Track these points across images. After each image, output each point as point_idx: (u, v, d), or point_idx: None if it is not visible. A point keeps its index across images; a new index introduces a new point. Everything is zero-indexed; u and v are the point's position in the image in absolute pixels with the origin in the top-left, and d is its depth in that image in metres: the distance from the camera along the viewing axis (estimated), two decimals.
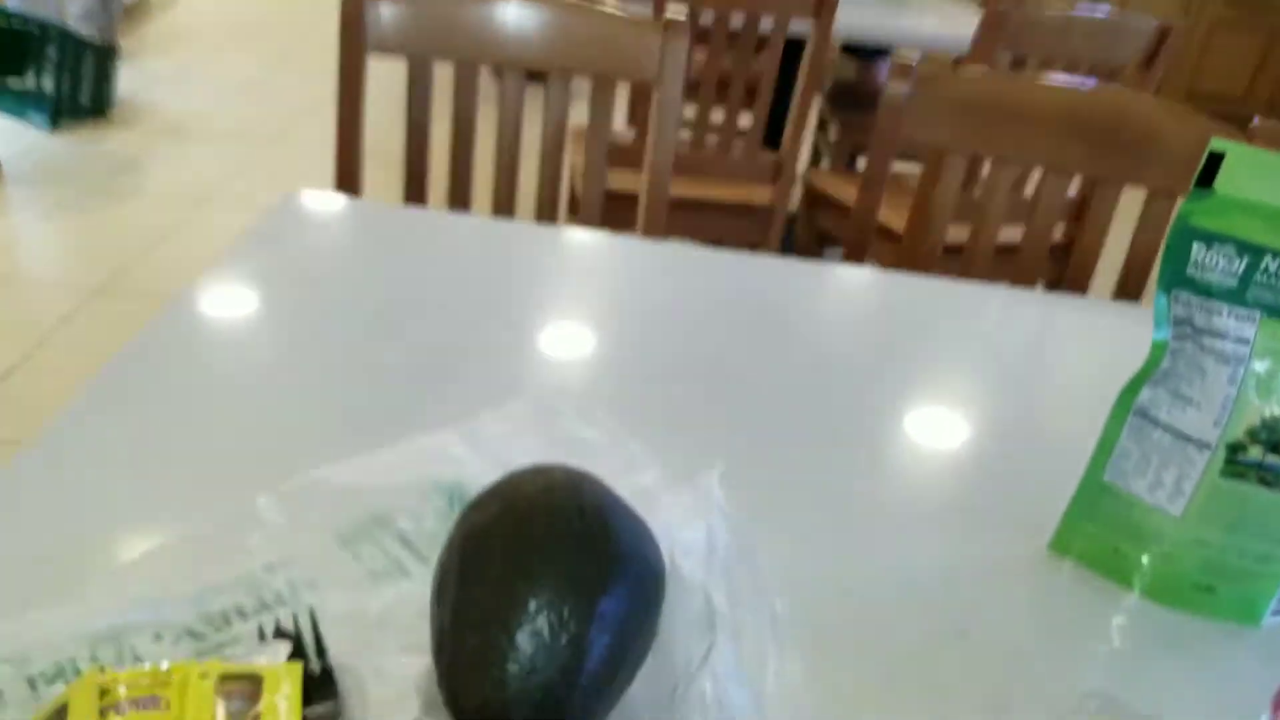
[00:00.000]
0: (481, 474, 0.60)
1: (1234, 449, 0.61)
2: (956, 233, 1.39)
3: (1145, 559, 0.66)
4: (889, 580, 0.64)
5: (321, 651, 0.53)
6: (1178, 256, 0.60)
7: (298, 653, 0.53)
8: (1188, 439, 0.62)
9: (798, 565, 0.63)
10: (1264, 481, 0.61)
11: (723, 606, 0.50)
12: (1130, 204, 1.28)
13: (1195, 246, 0.59)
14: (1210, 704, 0.58)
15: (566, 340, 0.88)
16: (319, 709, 0.49)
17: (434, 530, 0.61)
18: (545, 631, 0.47)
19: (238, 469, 0.66)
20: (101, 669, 0.47)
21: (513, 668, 0.46)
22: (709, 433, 0.78)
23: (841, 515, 0.70)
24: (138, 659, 0.52)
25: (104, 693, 0.46)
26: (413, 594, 0.57)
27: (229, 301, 0.87)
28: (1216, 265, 0.59)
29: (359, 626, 0.55)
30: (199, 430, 0.70)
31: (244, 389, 0.75)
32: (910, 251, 1.38)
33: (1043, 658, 0.61)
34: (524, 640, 0.46)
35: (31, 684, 0.50)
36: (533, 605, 0.47)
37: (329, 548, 0.60)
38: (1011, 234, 1.48)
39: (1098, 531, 0.68)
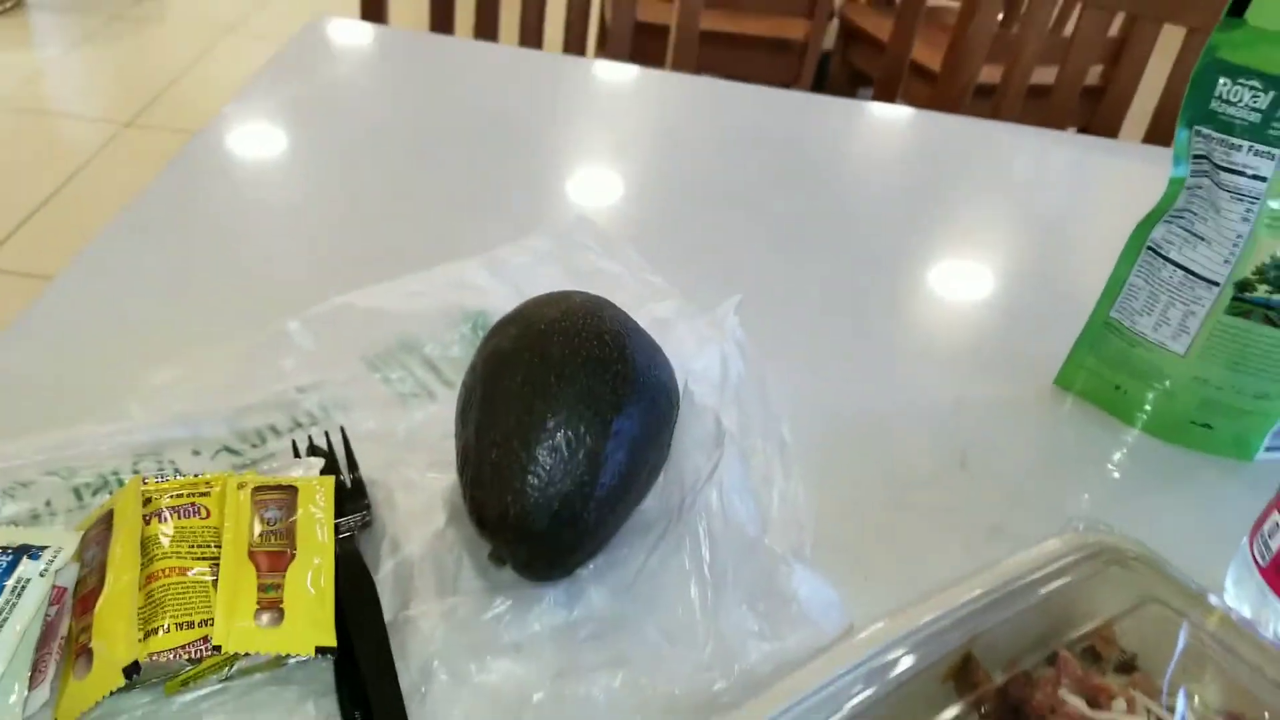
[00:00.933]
0: (504, 302, 0.62)
1: (1241, 286, 0.61)
2: (990, 73, 1.36)
3: (1146, 396, 0.68)
4: (896, 412, 0.67)
5: (353, 466, 0.56)
6: (1202, 90, 0.60)
7: (330, 468, 0.56)
8: (1197, 277, 0.63)
9: (808, 395, 0.65)
10: (1268, 320, 0.62)
11: (731, 427, 0.52)
12: (1168, 44, 1.24)
13: (1221, 81, 0.59)
14: (1195, 529, 0.60)
15: (590, 173, 0.89)
16: (351, 519, 0.53)
17: (459, 355, 0.64)
18: (563, 447, 0.49)
19: (268, 295, 0.68)
20: (144, 480, 0.51)
21: (532, 480, 0.49)
22: (730, 267, 0.79)
23: (855, 350, 0.72)
24: (178, 472, 0.55)
25: (147, 501, 0.50)
26: (439, 415, 0.60)
27: (256, 132, 0.88)
28: (1240, 100, 0.58)
29: (388, 445, 0.58)
30: (229, 259, 0.72)
31: (272, 218, 0.77)
32: (943, 90, 1.36)
33: (1039, 487, 0.63)
34: (542, 455, 0.49)
35: (77, 494, 0.53)
36: (551, 423, 0.50)
37: (358, 371, 0.63)
38: (1045, 75, 1.44)
39: (1101, 368, 0.70)
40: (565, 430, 0.50)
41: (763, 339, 0.65)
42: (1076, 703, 0.42)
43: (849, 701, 0.39)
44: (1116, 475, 0.65)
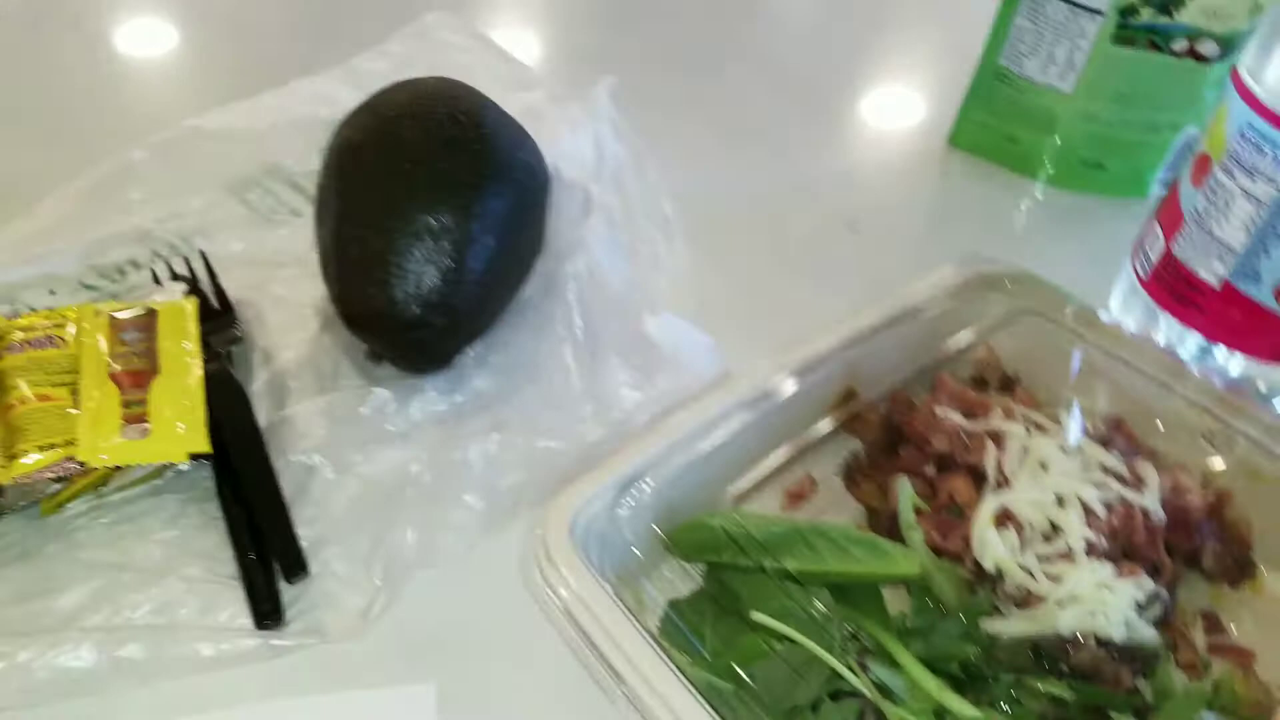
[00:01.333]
0: None
1: (1125, 12, 0.60)
2: None
3: (1040, 143, 0.67)
4: (783, 184, 0.65)
5: (218, 288, 0.54)
6: None
7: (194, 293, 0.54)
8: (1080, 7, 0.61)
9: (691, 174, 0.63)
10: (1154, 45, 0.60)
11: (600, 196, 0.50)
12: None
13: None
14: (1087, 265, 0.60)
15: None
16: (219, 338, 0.51)
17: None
18: (424, 233, 0.47)
19: (107, 125, 0.64)
20: None
21: (395, 271, 0.47)
22: (605, 54, 0.75)
23: (738, 129, 0.70)
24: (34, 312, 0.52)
25: (0, 338, 0.47)
26: (305, 230, 0.57)
27: None
28: None
29: (255, 265, 0.55)
30: (58, 90, 0.67)
31: (102, 44, 0.72)
32: None
33: (933, 244, 0.62)
34: (404, 244, 0.47)
35: None
36: (409, 209, 0.47)
37: (217, 197, 0.59)
38: None
39: (993, 121, 0.68)
40: (425, 216, 0.47)
41: (640, 123, 0.62)
42: (953, 417, 0.41)
43: (725, 428, 0.39)
44: (1012, 226, 0.65)
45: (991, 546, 0.38)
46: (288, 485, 0.44)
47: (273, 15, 0.78)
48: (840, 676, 0.34)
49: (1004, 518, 0.39)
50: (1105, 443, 0.42)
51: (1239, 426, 0.43)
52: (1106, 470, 0.40)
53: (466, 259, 0.48)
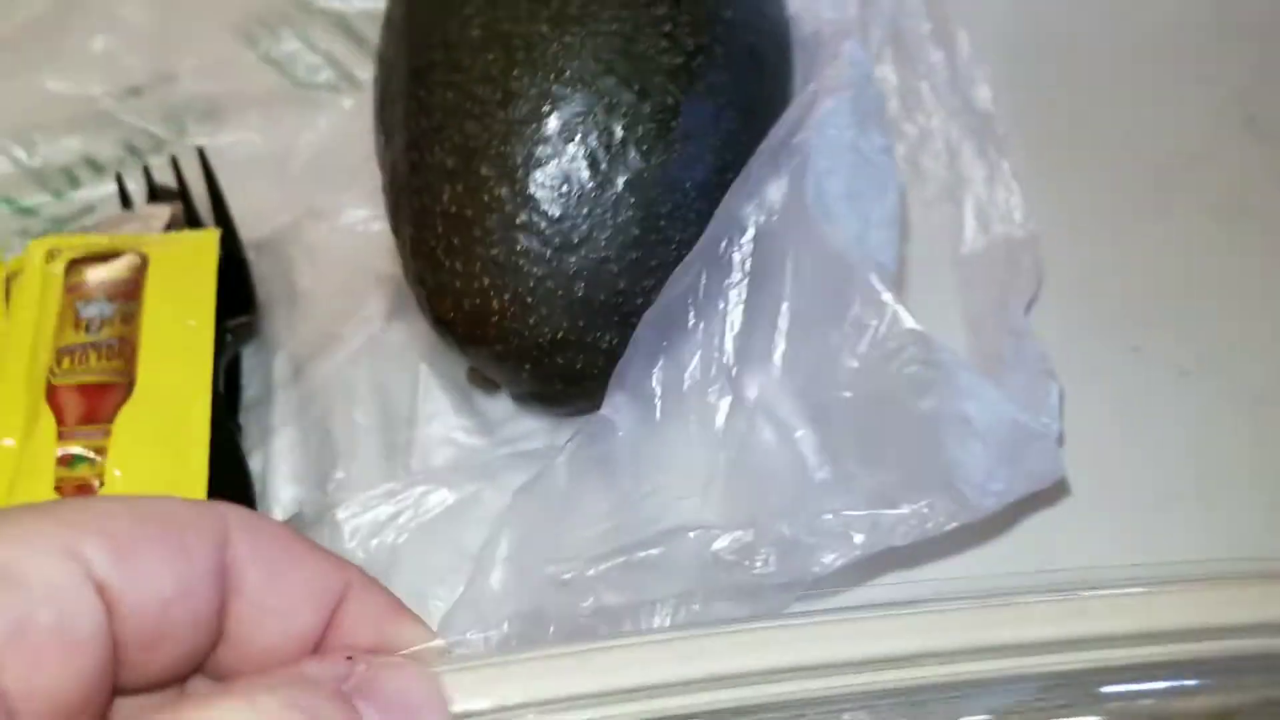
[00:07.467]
0: None
1: None
2: None
3: None
4: (1149, 44, 0.38)
5: (223, 219, 0.32)
6: None
7: (188, 219, 0.32)
8: None
9: (1023, 24, 0.36)
10: None
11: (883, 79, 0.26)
12: None
13: None
14: None
15: None
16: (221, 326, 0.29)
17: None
18: (582, 168, 0.24)
19: None
20: None
21: (525, 242, 0.24)
22: None
23: None
24: None
25: None
26: (364, 115, 0.34)
27: None
28: None
29: (281, 178, 0.33)
30: None
31: None
32: None
33: None
34: (542, 188, 0.24)
35: None
36: (553, 120, 0.24)
37: (225, 48, 0.36)
38: None
39: None
40: (583, 131, 0.24)
41: None
42: None
43: None
44: None
45: None
46: None
47: None
48: None
49: None
50: None
51: None
52: None
53: (660, 222, 0.25)
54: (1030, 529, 0.26)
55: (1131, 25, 0.36)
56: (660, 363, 0.23)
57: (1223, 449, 0.28)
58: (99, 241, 0.29)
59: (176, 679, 0.17)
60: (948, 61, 0.32)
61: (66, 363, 0.27)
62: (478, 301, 0.25)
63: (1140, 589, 0.19)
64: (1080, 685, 0.18)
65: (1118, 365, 0.30)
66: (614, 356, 0.25)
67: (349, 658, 0.16)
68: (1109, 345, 0.30)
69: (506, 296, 0.25)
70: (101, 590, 0.14)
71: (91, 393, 0.27)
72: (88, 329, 0.28)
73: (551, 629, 0.19)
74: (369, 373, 0.28)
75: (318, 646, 0.17)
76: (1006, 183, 0.31)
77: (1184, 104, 0.35)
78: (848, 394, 0.21)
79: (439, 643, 0.17)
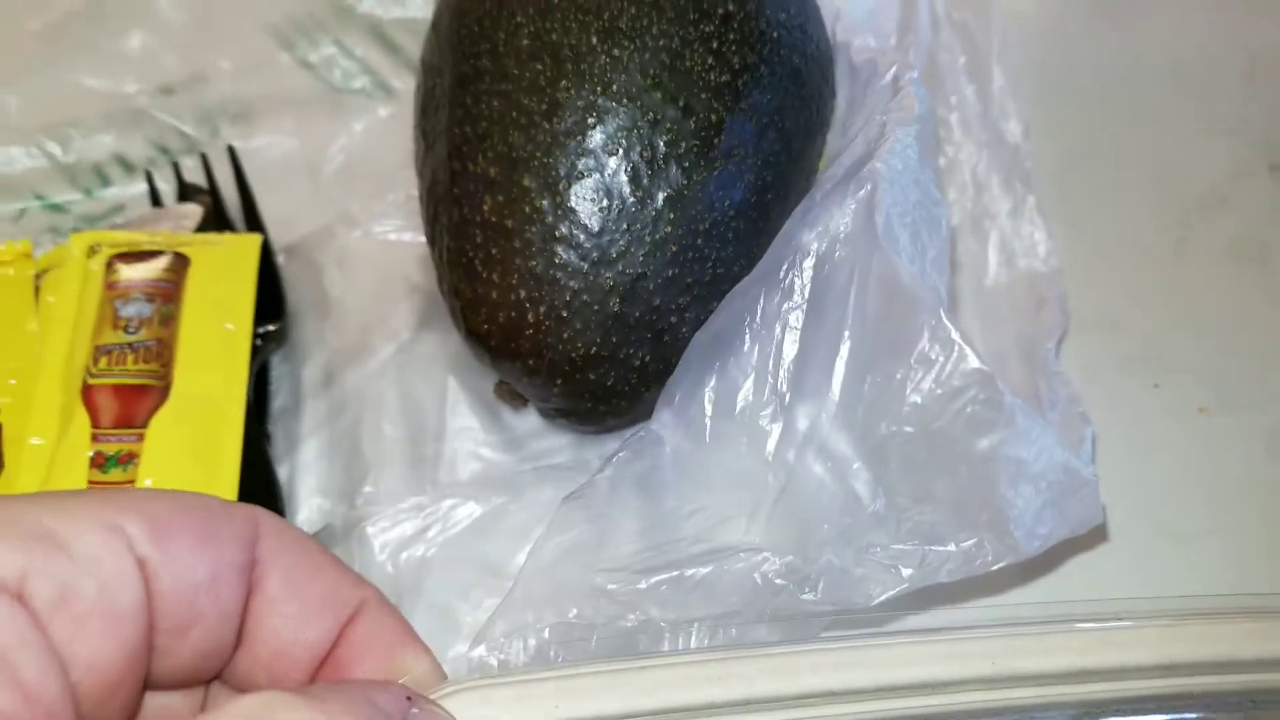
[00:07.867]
0: None
1: None
2: None
3: None
4: (1172, 79, 0.39)
5: (253, 220, 0.32)
6: None
7: (218, 221, 0.32)
8: None
9: (1056, 60, 0.37)
10: None
11: (922, 98, 0.26)
12: None
13: None
14: None
15: None
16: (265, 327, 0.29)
17: (428, 16, 0.37)
18: (624, 183, 0.25)
19: None
20: None
21: (564, 255, 0.25)
22: None
23: None
24: None
25: None
26: (399, 124, 0.34)
27: None
28: None
29: (312, 183, 0.33)
30: None
31: None
32: None
33: None
34: (583, 201, 0.25)
35: None
36: (598, 133, 0.25)
37: (260, 51, 0.36)
38: None
39: None
40: (627, 145, 0.25)
41: None
42: None
43: None
44: None
45: None
46: None
47: None
48: None
49: None
50: None
51: None
52: None
53: (696, 240, 0.25)
54: (1048, 562, 0.26)
55: (1162, 69, 0.36)
56: (712, 383, 0.23)
57: (1240, 485, 0.28)
58: (140, 238, 0.29)
59: (199, 679, 0.17)
60: (979, 95, 0.32)
61: (104, 362, 0.27)
62: (513, 314, 0.25)
63: (1162, 622, 0.19)
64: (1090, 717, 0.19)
65: (1138, 401, 0.30)
66: (645, 373, 0.25)
67: (408, 698, 0.16)
68: (1130, 381, 0.30)
69: (542, 310, 0.25)
70: (141, 566, 0.14)
71: (127, 395, 0.27)
72: (126, 329, 0.28)
73: (595, 640, 0.19)
74: (398, 384, 0.28)
75: (325, 659, 0.17)
76: (1031, 217, 0.31)
77: (1210, 148, 0.35)
78: (908, 429, 0.21)
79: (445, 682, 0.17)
